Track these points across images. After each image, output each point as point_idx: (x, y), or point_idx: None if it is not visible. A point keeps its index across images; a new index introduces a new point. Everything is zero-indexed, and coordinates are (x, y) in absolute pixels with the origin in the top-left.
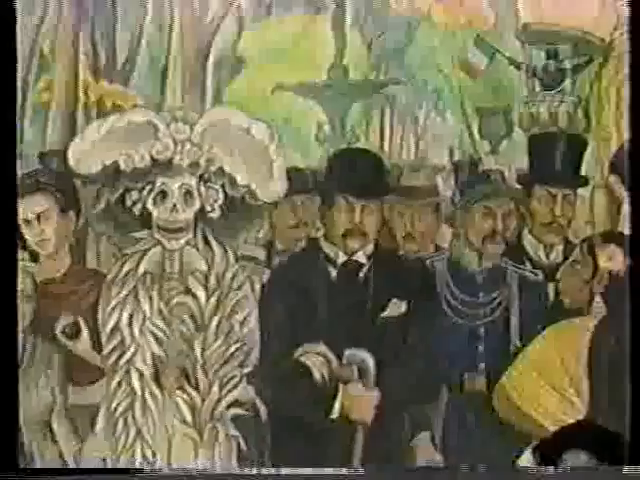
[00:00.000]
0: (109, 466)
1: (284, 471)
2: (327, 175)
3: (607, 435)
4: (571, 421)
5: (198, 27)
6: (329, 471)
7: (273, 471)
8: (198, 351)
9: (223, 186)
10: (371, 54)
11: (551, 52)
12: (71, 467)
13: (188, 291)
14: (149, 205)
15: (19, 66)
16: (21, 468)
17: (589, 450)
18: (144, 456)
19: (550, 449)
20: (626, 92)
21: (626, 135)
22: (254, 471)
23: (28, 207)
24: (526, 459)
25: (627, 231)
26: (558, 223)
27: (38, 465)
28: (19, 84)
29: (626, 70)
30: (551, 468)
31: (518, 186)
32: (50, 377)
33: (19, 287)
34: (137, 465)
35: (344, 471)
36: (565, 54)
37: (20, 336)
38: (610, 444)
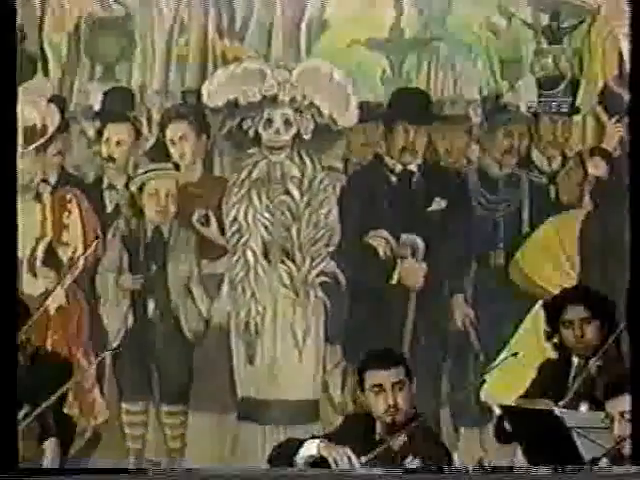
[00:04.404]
0: (232, 321)
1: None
2: (389, 107)
3: (598, 295)
4: (567, 286)
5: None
6: None
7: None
8: (295, 235)
9: (313, 116)
10: (421, 18)
11: (554, 15)
12: (71, 467)
13: (287, 192)
14: (259, 129)
15: (165, 29)
16: (21, 468)
17: (585, 305)
18: (257, 311)
19: (556, 305)
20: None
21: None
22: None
23: (172, 131)
24: (535, 312)
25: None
26: (558, 141)
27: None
28: (165, 41)
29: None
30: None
31: (529, 115)
32: (188, 253)
33: (166, 190)
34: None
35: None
36: (564, 16)
37: (167, 226)
38: (600, 302)
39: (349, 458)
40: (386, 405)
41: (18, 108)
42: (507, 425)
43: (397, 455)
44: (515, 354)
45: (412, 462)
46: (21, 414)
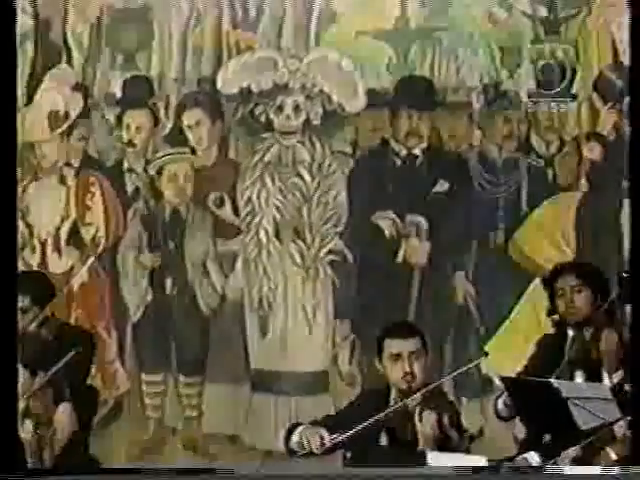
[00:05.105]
0: (245, 297)
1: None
2: (394, 94)
3: (590, 266)
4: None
5: None
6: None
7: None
8: (305, 216)
9: (322, 102)
10: (425, 9)
11: (551, 6)
12: (72, 468)
13: (298, 175)
14: (271, 115)
15: (182, 20)
16: (21, 468)
17: (576, 274)
18: (269, 287)
19: (551, 278)
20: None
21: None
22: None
23: (189, 117)
24: (533, 289)
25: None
26: (555, 126)
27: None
28: (182, 32)
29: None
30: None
31: (527, 101)
32: (204, 233)
33: (183, 173)
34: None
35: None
36: (561, 7)
37: (184, 207)
38: (592, 273)
39: (321, 437)
40: (403, 372)
41: (44, 95)
42: (500, 405)
43: (412, 415)
44: (486, 354)
45: (427, 415)
46: (37, 381)
